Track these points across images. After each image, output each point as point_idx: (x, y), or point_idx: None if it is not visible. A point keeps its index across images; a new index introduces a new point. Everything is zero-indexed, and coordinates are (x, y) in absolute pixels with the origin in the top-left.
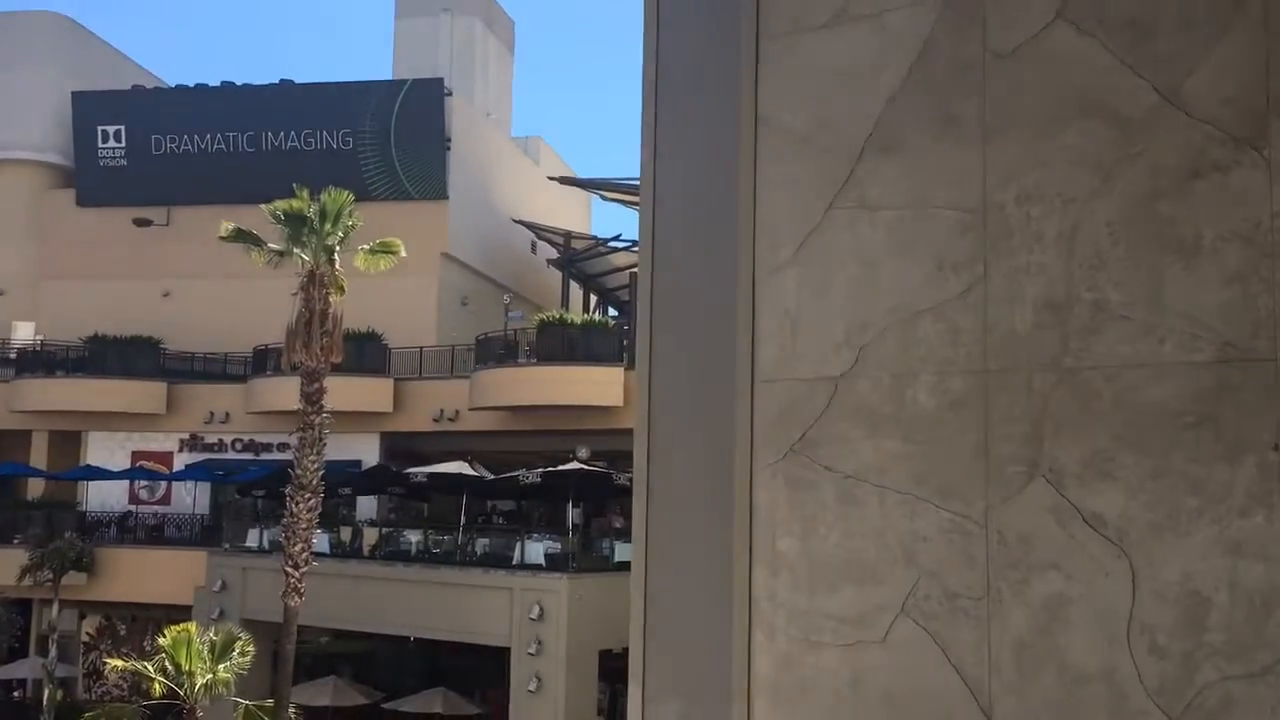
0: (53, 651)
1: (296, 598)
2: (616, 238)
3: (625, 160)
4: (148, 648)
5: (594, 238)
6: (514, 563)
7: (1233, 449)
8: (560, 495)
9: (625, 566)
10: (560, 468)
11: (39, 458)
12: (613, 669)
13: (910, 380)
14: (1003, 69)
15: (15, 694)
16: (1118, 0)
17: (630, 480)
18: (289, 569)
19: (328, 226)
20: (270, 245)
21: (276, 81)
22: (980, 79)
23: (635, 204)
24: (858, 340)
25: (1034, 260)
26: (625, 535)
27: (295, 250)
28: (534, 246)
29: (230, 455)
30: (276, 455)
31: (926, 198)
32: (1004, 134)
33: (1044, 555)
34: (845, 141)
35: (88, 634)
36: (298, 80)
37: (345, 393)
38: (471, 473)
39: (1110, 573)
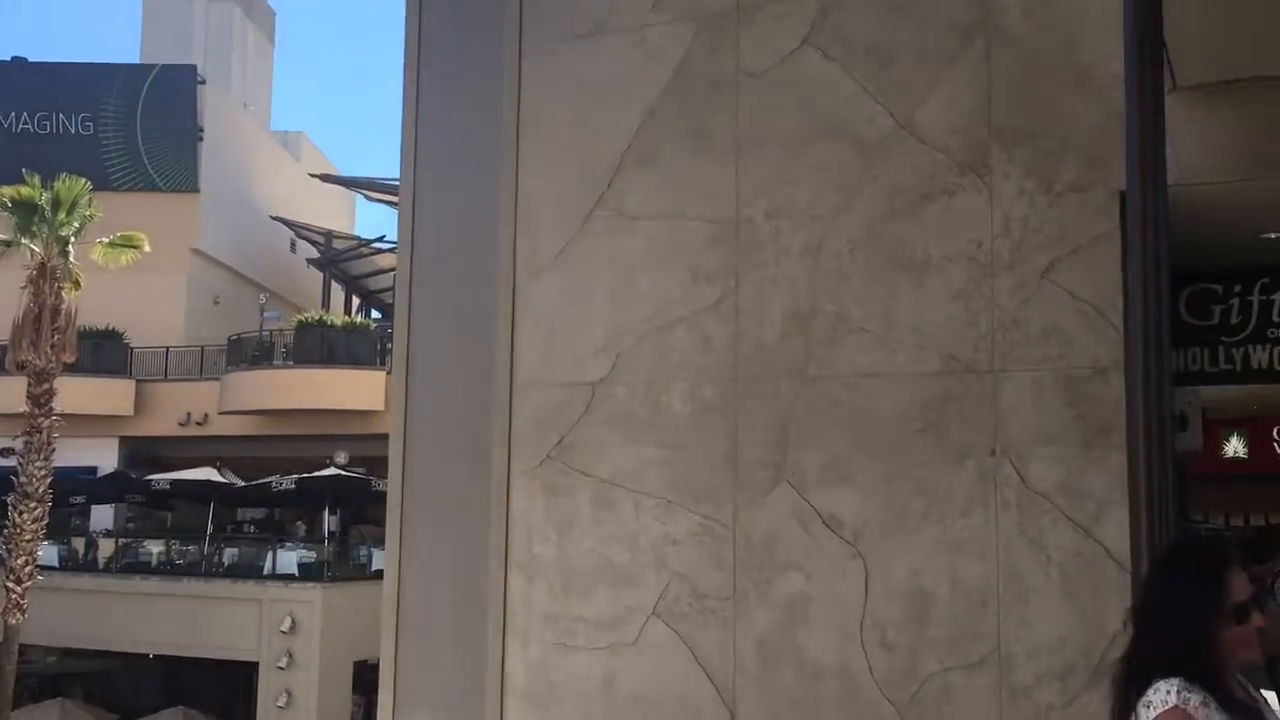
0: None
1: (18, 615)
2: (380, 239)
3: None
4: None
5: (357, 238)
6: (265, 573)
7: (956, 454)
8: (316, 502)
9: (383, 575)
10: (317, 473)
11: None
12: (368, 680)
13: (665, 387)
14: (754, 88)
15: None
16: (860, 29)
17: (387, 487)
18: (10, 584)
19: (61, 216)
20: None
21: (8, 59)
22: (733, 97)
23: (398, 204)
24: (615, 347)
25: (782, 273)
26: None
27: (24, 241)
28: (294, 245)
29: None
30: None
31: (682, 209)
32: (755, 151)
33: (787, 556)
34: (605, 151)
35: None
36: (31, 58)
37: (80, 394)
38: (220, 479)
39: (846, 572)
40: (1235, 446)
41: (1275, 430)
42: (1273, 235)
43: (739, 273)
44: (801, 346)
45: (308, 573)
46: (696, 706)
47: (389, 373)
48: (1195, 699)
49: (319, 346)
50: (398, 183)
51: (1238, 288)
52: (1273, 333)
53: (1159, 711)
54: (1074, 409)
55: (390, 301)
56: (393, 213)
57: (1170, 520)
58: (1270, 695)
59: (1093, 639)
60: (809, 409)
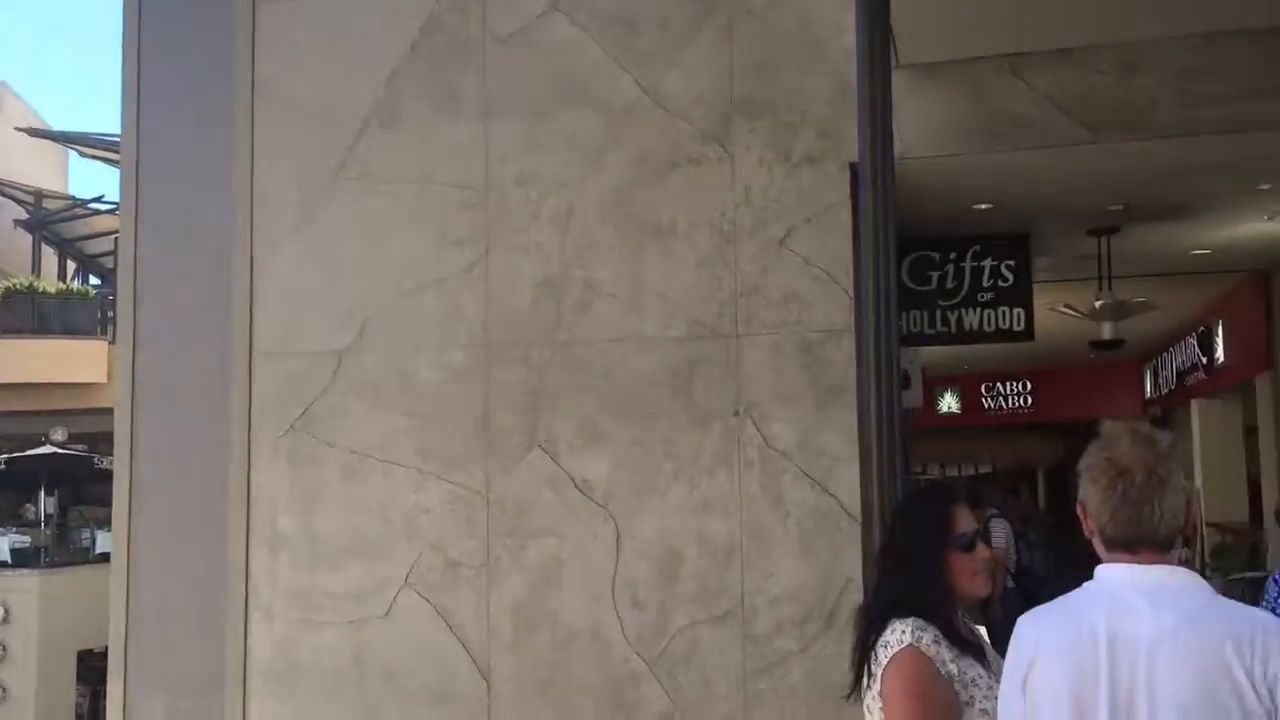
0: None
1: None
2: (99, 199)
3: (108, 113)
4: None
5: (71, 198)
6: None
7: (702, 416)
8: (31, 483)
9: (108, 558)
10: (30, 452)
11: None
12: (94, 669)
13: (414, 354)
14: (502, 52)
15: None
16: None
17: (114, 463)
18: None
19: None
20: None
21: None
22: (481, 59)
23: (119, 162)
24: (362, 313)
25: (532, 239)
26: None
27: None
28: None
29: None
30: None
31: (431, 173)
32: (503, 115)
33: (540, 521)
34: (349, 112)
35: None
36: None
37: None
38: None
39: (598, 534)
40: (949, 403)
41: (983, 387)
42: (984, 206)
43: (489, 238)
44: (552, 312)
45: (22, 559)
46: (451, 675)
47: (110, 343)
48: (928, 637)
49: (30, 315)
50: (115, 138)
51: (953, 255)
52: (983, 296)
53: (895, 650)
54: (810, 371)
55: (112, 267)
56: (110, 170)
57: (896, 473)
58: (981, 630)
59: (827, 588)
60: (560, 374)
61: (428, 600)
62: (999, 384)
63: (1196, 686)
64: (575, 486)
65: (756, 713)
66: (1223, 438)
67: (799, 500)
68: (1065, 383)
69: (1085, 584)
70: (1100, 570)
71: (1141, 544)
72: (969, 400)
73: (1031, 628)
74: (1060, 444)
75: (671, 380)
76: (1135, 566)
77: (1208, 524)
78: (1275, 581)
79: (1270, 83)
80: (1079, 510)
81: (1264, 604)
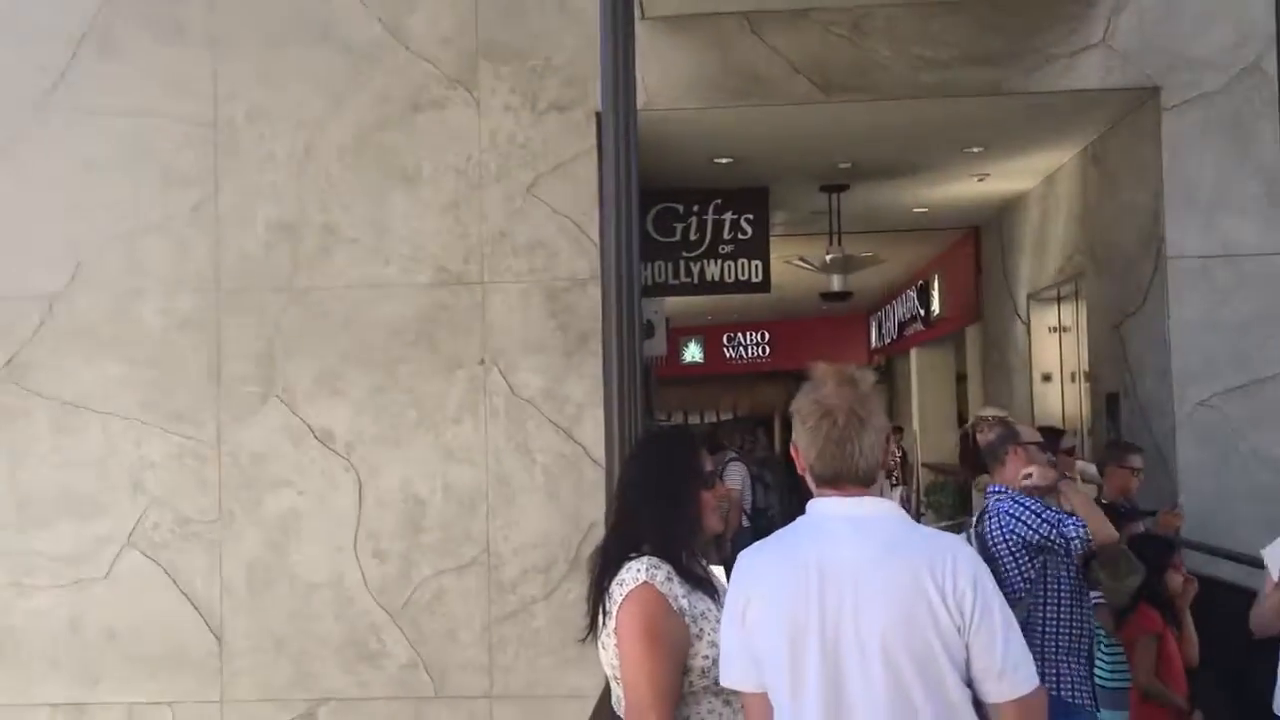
0: None
1: None
2: None
3: None
4: None
5: None
6: None
7: (447, 364)
8: None
9: None
10: None
11: None
12: None
13: (135, 299)
14: None
15: None
16: None
17: None
18: None
19: None
20: None
21: None
22: None
23: None
24: (75, 255)
25: (266, 180)
26: None
27: None
28: None
29: None
30: None
31: (152, 106)
32: (233, 47)
33: (277, 473)
34: (58, 36)
35: None
36: None
37: None
38: None
39: (339, 485)
40: (694, 352)
41: (725, 337)
42: (725, 160)
43: (219, 177)
44: (289, 257)
45: None
46: (180, 637)
47: None
48: (661, 574)
49: None
50: None
51: (696, 207)
52: (724, 249)
53: (630, 588)
54: (556, 319)
55: None
56: None
57: (639, 420)
58: (718, 570)
59: (571, 533)
60: (298, 322)
61: (154, 560)
62: (740, 334)
63: (897, 608)
64: (315, 437)
65: (501, 658)
66: (937, 384)
67: (545, 447)
68: (800, 333)
69: (799, 518)
70: (811, 505)
71: (845, 479)
72: (712, 349)
73: (749, 561)
74: (795, 391)
75: (416, 328)
76: (842, 500)
77: (923, 464)
78: (991, 492)
79: (983, 51)
80: (792, 450)
81: (992, 520)
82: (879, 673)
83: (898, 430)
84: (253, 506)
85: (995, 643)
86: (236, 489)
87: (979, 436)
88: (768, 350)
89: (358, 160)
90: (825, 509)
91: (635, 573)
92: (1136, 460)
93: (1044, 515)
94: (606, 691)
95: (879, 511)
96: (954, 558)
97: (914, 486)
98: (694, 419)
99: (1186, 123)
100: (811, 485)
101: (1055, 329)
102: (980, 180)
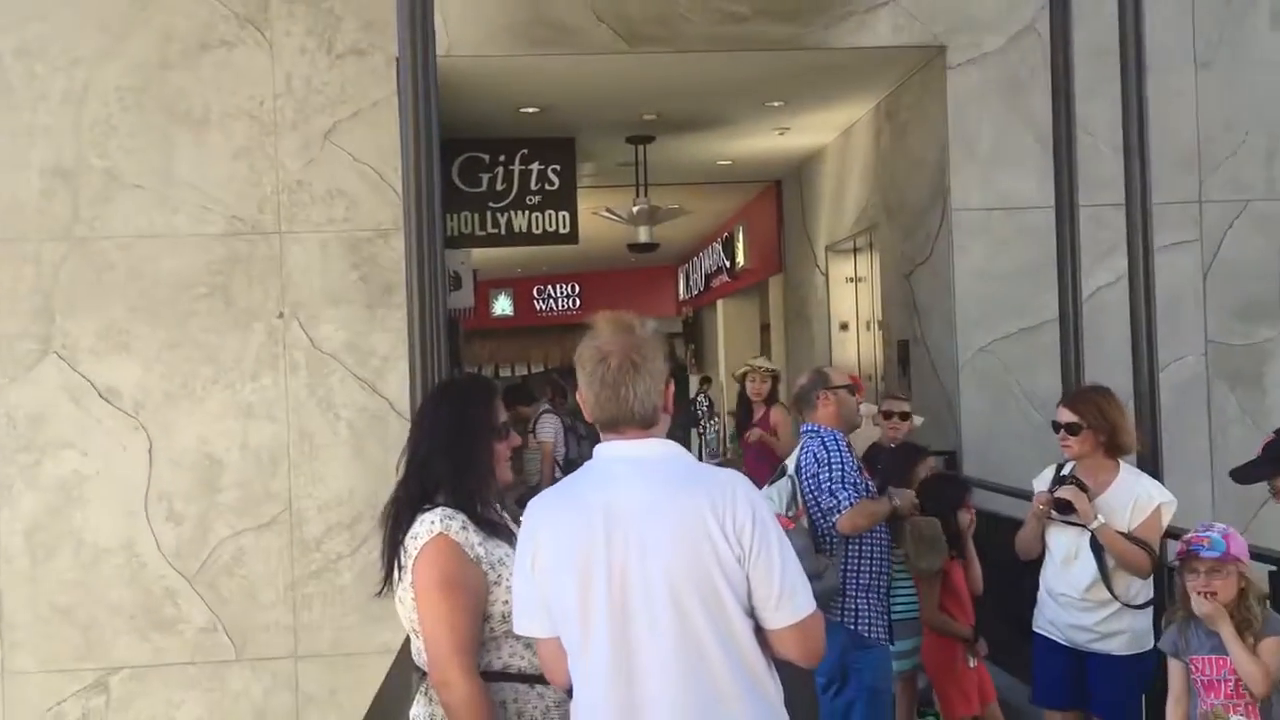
0: None
1: None
2: None
3: None
4: None
5: None
6: None
7: (244, 318)
8: None
9: None
10: None
11: None
12: None
13: None
14: None
15: None
16: None
17: None
18: None
19: None
20: None
21: None
22: None
23: None
24: None
25: (39, 121)
26: None
27: None
28: None
29: None
30: None
31: None
32: None
33: (58, 434)
34: None
35: None
36: None
37: None
38: None
39: (128, 446)
40: (503, 305)
41: (535, 289)
42: (531, 110)
43: None
44: (67, 204)
45: None
46: None
47: None
48: (455, 524)
49: None
50: None
51: (503, 157)
52: (531, 199)
53: (424, 541)
54: (359, 270)
55: None
56: None
57: (444, 372)
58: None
59: (378, 488)
60: (78, 274)
61: None
62: (550, 286)
63: (682, 548)
64: (100, 396)
65: (305, 617)
66: (743, 334)
67: (349, 402)
68: (611, 285)
69: (586, 463)
70: (598, 449)
71: (623, 422)
72: (522, 302)
73: (538, 508)
74: None
75: (208, 280)
76: (623, 443)
77: (730, 412)
78: (806, 432)
79: (781, 6)
80: (578, 398)
81: (803, 454)
82: (665, 612)
83: (706, 380)
84: (32, 470)
85: (773, 571)
86: (13, 452)
87: (748, 386)
88: (578, 302)
89: (140, 102)
90: (609, 453)
91: (429, 525)
92: (896, 405)
93: (828, 474)
94: (406, 645)
95: (661, 453)
96: (734, 491)
97: (721, 433)
98: (505, 372)
99: (969, 81)
100: (600, 430)
101: (852, 279)
102: (781, 134)
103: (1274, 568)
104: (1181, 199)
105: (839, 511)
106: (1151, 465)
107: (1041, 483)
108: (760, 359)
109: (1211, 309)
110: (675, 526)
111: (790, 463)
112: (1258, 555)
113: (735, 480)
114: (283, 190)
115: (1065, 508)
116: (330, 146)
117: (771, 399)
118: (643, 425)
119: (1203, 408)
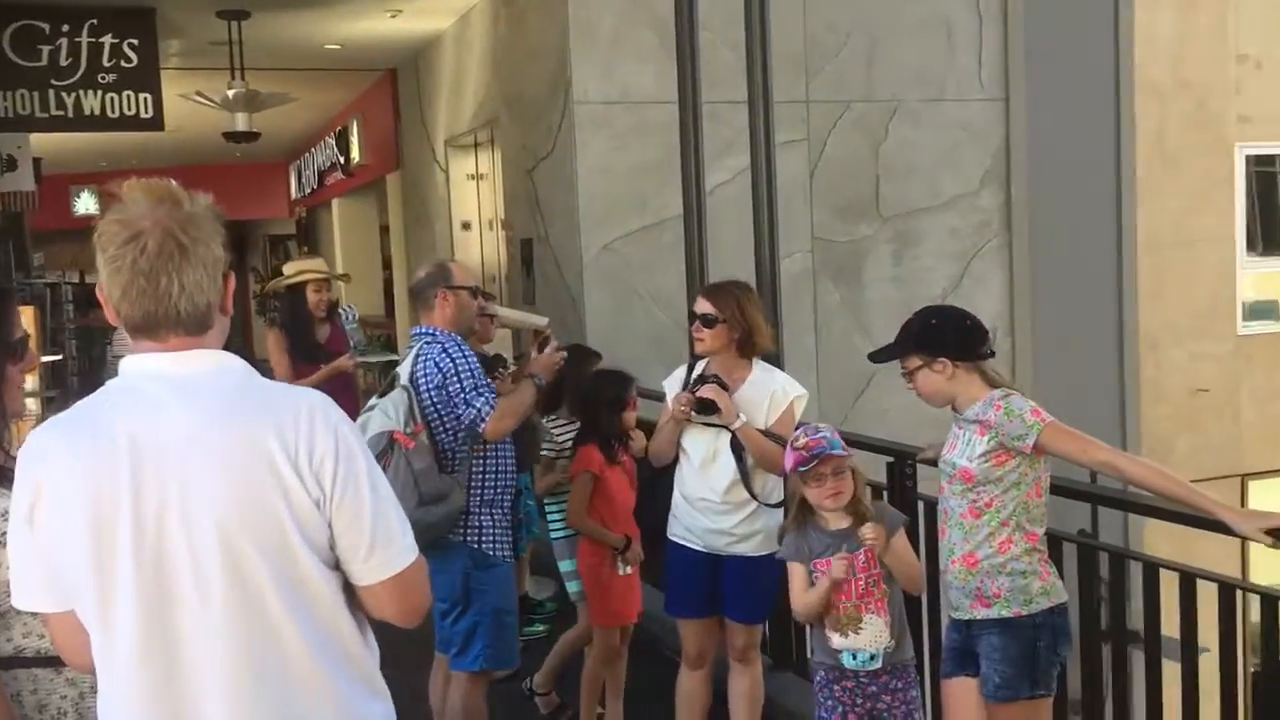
0: None
1: None
2: None
3: None
4: None
5: None
6: None
7: None
8: None
9: None
10: None
11: None
12: None
13: None
14: None
15: None
16: None
17: None
18: None
19: None
20: None
21: None
22: None
23: None
24: None
25: None
26: None
27: None
28: None
29: None
30: None
31: None
32: None
33: None
34: None
35: None
36: None
37: None
38: None
39: None
40: (86, 203)
41: (124, 186)
42: None
43: None
44: None
45: None
46: None
47: None
48: None
49: None
50: None
51: (66, 27)
52: (104, 78)
53: None
54: None
55: None
56: None
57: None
58: None
59: None
60: None
61: None
62: None
63: (238, 491)
64: None
65: None
66: (361, 236)
67: None
68: (213, 182)
69: (108, 382)
70: (124, 363)
71: (165, 327)
72: (110, 201)
73: (38, 443)
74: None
75: None
76: (163, 355)
77: (275, 323)
78: (420, 335)
79: None
80: (98, 294)
81: (422, 362)
82: (217, 575)
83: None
84: None
85: (363, 514)
86: None
87: (309, 295)
88: None
89: None
90: (140, 367)
91: None
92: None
93: (458, 384)
94: None
95: (212, 366)
96: (311, 418)
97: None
98: (91, 278)
99: None
100: (129, 338)
101: (473, 176)
102: (394, 16)
103: (891, 458)
104: (790, 99)
105: (483, 420)
106: (773, 360)
107: (674, 383)
108: (316, 259)
109: (817, 207)
110: (229, 463)
111: (403, 371)
112: (875, 447)
113: (314, 402)
114: None
115: (708, 407)
116: None
117: (334, 312)
118: (190, 330)
119: (809, 303)
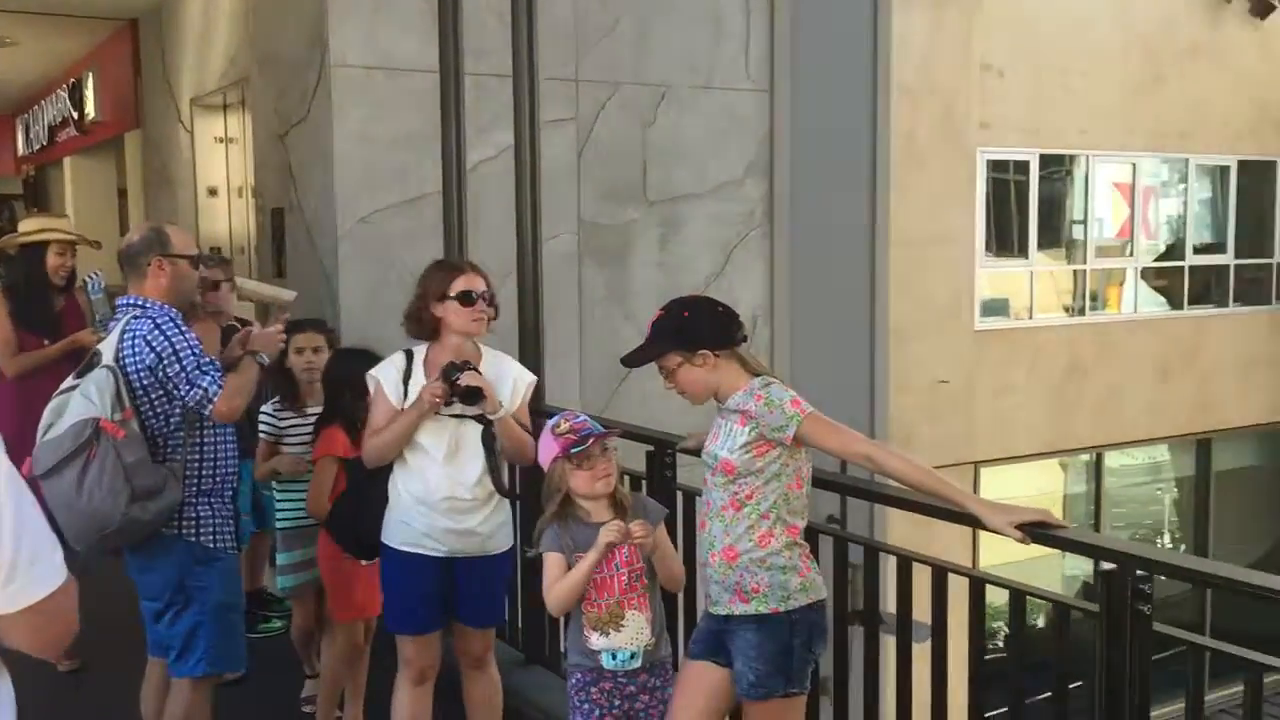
0: None
1: None
2: None
3: None
4: None
5: None
6: None
7: None
8: None
9: None
10: None
11: None
12: None
13: None
14: None
15: None
16: None
17: None
18: None
19: None
20: None
21: None
22: None
23: None
24: None
25: None
26: None
27: None
28: None
29: None
30: None
31: None
32: None
33: None
34: None
35: None
36: None
37: None
38: None
39: None
40: None
41: None
42: None
43: None
44: None
45: None
46: None
47: None
48: None
49: None
50: None
51: None
52: None
53: None
54: None
55: None
56: None
57: None
58: None
59: None
60: None
61: None
62: None
63: None
64: None
65: None
66: (97, 198)
67: None
68: None
69: None
70: None
71: None
72: None
73: None
74: None
75: None
76: None
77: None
78: (126, 306)
79: None
80: None
81: (130, 340)
82: None
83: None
84: None
85: (1, 532)
86: None
87: (51, 259)
88: None
89: None
90: None
91: None
92: (216, 273)
93: (178, 365)
94: None
95: None
96: None
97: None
98: None
99: None
100: None
101: (221, 139)
102: None
103: (651, 447)
104: (559, 76)
105: (210, 401)
106: (534, 343)
107: (392, 373)
108: (62, 218)
109: (584, 188)
110: None
111: (106, 348)
112: (636, 435)
113: None
114: None
115: (473, 395)
116: None
117: (73, 281)
118: None
119: (574, 286)
